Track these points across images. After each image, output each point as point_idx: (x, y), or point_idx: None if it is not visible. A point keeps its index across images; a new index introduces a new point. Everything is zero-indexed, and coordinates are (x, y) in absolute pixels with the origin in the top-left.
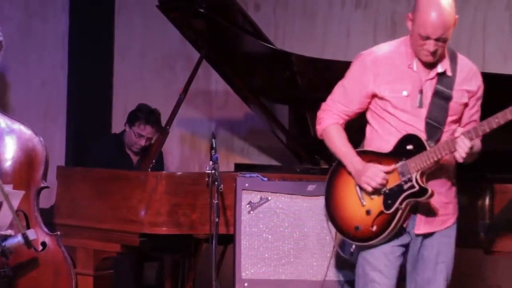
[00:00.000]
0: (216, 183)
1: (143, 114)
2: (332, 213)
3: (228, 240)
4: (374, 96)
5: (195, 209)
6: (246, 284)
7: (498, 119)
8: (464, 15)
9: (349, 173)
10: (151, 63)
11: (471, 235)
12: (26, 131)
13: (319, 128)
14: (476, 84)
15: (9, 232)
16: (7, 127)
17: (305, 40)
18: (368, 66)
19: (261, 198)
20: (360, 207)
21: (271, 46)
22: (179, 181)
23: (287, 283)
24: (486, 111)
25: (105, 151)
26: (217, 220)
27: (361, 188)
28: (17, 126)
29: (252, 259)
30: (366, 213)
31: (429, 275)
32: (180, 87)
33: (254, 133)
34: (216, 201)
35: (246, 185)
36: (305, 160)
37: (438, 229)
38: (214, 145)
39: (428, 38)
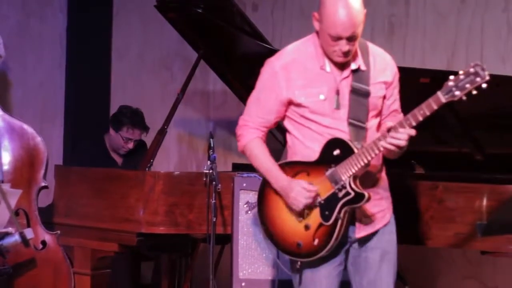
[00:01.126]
0: (214, 183)
1: (128, 118)
2: (271, 233)
3: (226, 240)
4: (290, 103)
5: (193, 209)
6: (243, 284)
7: (423, 111)
8: (461, 18)
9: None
10: (149, 63)
11: (468, 236)
12: (28, 130)
13: (240, 145)
14: (391, 74)
15: (10, 229)
16: (9, 126)
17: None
18: (278, 72)
19: None
20: (297, 223)
21: (269, 46)
22: (177, 181)
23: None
24: (484, 110)
25: (87, 156)
26: (214, 219)
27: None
28: (19, 125)
29: (249, 259)
30: (305, 228)
31: (374, 275)
32: (178, 87)
33: None
34: (213, 201)
35: (244, 185)
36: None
37: (377, 228)
38: (212, 145)
39: (339, 38)
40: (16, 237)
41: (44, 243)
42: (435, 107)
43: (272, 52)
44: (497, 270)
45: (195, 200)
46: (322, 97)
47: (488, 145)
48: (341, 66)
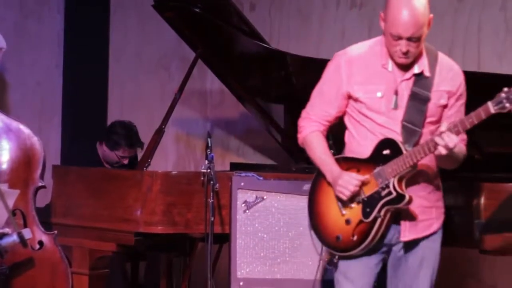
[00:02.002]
0: (212, 182)
1: (124, 139)
2: (314, 223)
3: (224, 239)
4: (349, 97)
5: (191, 208)
6: (241, 283)
7: (471, 119)
8: (458, 17)
9: (329, 182)
10: (146, 63)
11: (466, 235)
12: (25, 131)
13: (300, 136)
14: (456, 84)
15: (6, 230)
16: (6, 126)
17: (300, 40)
18: (341, 66)
19: (256, 197)
20: (340, 216)
21: (267, 46)
22: (175, 180)
23: (283, 282)
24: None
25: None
26: (212, 219)
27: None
28: (16, 126)
29: (247, 258)
30: (346, 222)
31: (411, 280)
32: (176, 87)
33: (250, 133)
34: (211, 200)
35: (242, 184)
36: (301, 159)
37: (422, 235)
38: (209, 145)
39: (399, 37)
40: (14, 237)
41: (41, 243)
42: (483, 116)
43: (269, 51)
44: (495, 269)
45: (193, 200)
46: (379, 94)
47: (487, 144)
48: (405, 68)
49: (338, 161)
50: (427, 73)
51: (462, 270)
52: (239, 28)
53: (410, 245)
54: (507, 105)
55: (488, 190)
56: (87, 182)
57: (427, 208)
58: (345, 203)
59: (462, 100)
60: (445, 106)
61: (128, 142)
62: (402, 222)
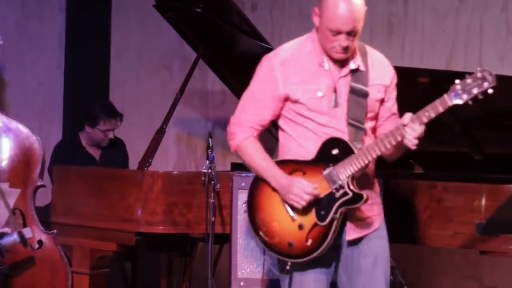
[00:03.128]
0: (213, 182)
1: (102, 112)
2: (263, 234)
3: (224, 239)
4: (286, 99)
5: (191, 208)
6: (242, 283)
7: (428, 113)
8: (460, 17)
9: (272, 189)
10: (148, 63)
11: (467, 236)
12: (23, 130)
13: (233, 143)
14: (389, 77)
15: (6, 230)
16: (5, 125)
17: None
18: (275, 68)
19: None
20: (290, 222)
21: (268, 46)
22: (176, 180)
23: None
24: (483, 110)
25: (61, 158)
26: (213, 219)
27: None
28: (14, 125)
29: (248, 258)
30: (299, 227)
31: (367, 281)
32: (177, 86)
33: None
34: (212, 200)
35: (243, 184)
36: None
37: (366, 232)
38: (210, 145)
39: (339, 32)
40: (15, 237)
41: (40, 242)
42: (441, 109)
43: (270, 51)
44: (496, 270)
45: (194, 200)
46: (320, 94)
47: (487, 145)
48: (340, 65)
49: (279, 164)
50: (362, 68)
51: (463, 271)
52: (240, 28)
53: (358, 246)
54: (464, 96)
55: (488, 191)
56: (87, 181)
57: (370, 206)
58: (294, 208)
59: (395, 92)
60: (382, 100)
61: (105, 113)
62: (348, 222)
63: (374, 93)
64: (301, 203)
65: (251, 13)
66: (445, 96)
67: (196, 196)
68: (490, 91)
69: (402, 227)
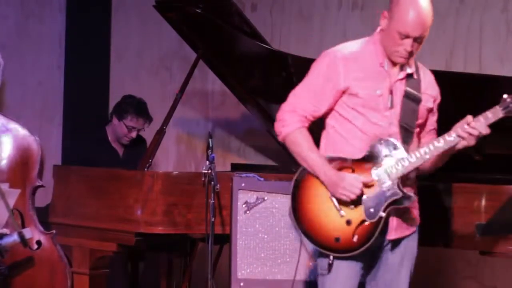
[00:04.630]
0: (213, 182)
1: (133, 107)
2: (307, 227)
3: (224, 240)
4: (344, 92)
5: (191, 209)
6: (242, 284)
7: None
8: (460, 18)
9: (320, 183)
10: (148, 64)
11: (467, 237)
12: (21, 130)
13: (284, 131)
14: (436, 90)
15: (5, 231)
16: (2, 126)
17: (302, 41)
18: (338, 62)
19: (257, 198)
20: (339, 217)
21: (268, 47)
22: (175, 181)
23: (283, 283)
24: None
25: (87, 152)
26: (213, 219)
27: (338, 198)
28: (12, 125)
29: (248, 259)
30: (347, 223)
31: (391, 278)
32: (177, 87)
33: (251, 133)
34: (212, 201)
35: (243, 185)
36: None
37: (405, 234)
38: (210, 145)
39: (407, 36)
40: (15, 237)
41: (39, 243)
42: (492, 120)
43: (271, 52)
44: (495, 271)
45: (194, 200)
46: (379, 92)
47: (487, 145)
48: (397, 69)
49: (328, 160)
50: (415, 76)
51: (463, 272)
52: (240, 29)
53: (392, 245)
54: None
55: (488, 191)
56: (88, 182)
57: (411, 209)
58: (343, 204)
59: (438, 111)
60: (430, 110)
61: (135, 109)
62: (390, 222)
63: (425, 101)
64: (351, 196)
65: (251, 14)
66: (497, 107)
67: (196, 196)
68: None
69: None
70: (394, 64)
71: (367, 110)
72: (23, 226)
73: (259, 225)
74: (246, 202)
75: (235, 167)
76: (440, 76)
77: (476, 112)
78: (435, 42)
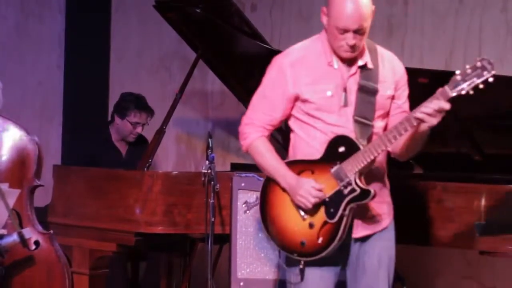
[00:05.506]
0: (212, 182)
1: (133, 103)
2: (274, 232)
3: (224, 240)
4: (296, 99)
5: (191, 209)
6: (241, 284)
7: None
8: (460, 18)
9: (283, 188)
10: (147, 63)
11: (467, 236)
12: (18, 130)
13: (245, 143)
14: (399, 74)
15: (2, 231)
16: None
17: (301, 41)
18: (285, 69)
19: (257, 198)
20: (301, 221)
21: (268, 47)
22: (175, 181)
23: (283, 283)
24: (483, 111)
25: (90, 149)
26: (213, 219)
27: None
28: (9, 125)
29: (247, 259)
30: (309, 226)
31: (371, 281)
32: (177, 87)
33: None
34: (212, 201)
35: (242, 184)
36: None
37: (375, 230)
38: (210, 145)
39: (346, 30)
40: (15, 237)
41: (37, 243)
42: (442, 101)
43: (270, 52)
44: (495, 270)
45: (194, 200)
46: (329, 93)
47: (487, 145)
48: (349, 64)
49: (288, 165)
50: (370, 65)
51: (462, 271)
52: (240, 29)
53: (365, 245)
54: (464, 86)
55: (488, 191)
56: (87, 182)
57: (379, 203)
58: (306, 210)
59: (407, 91)
60: (392, 98)
61: (136, 105)
62: (355, 219)
63: (384, 90)
64: (307, 205)
65: (251, 14)
66: (446, 87)
67: (195, 196)
68: (491, 79)
69: (402, 227)
70: (344, 60)
71: (322, 113)
72: (21, 226)
73: (259, 224)
74: (245, 202)
75: (235, 167)
76: (440, 76)
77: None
78: (434, 42)
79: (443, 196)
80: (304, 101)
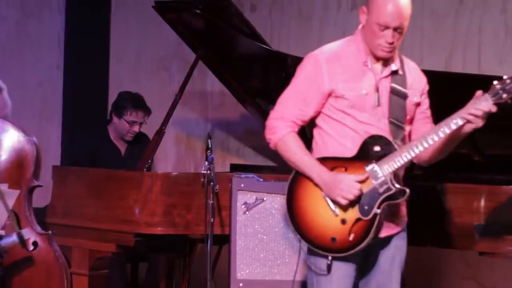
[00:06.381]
0: (212, 183)
1: (130, 101)
2: (303, 229)
3: (224, 241)
4: (329, 95)
5: (191, 210)
6: (241, 285)
7: None
8: (459, 19)
9: (314, 184)
10: (147, 64)
11: (466, 237)
12: (16, 131)
13: (274, 138)
14: (423, 83)
15: (1, 232)
16: None
17: (301, 42)
18: (321, 65)
19: (256, 199)
20: (334, 217)
21: (267, 47)
22: (175, 181)
23: (282, 284)
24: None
25: (89, 145)
26: (212, 220)
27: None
28: (7, 126)
29: (247, 260)
30: (342, 222)
31: (383, 280)
32: (176, 88)
33: (250, 134)
34: (211, 202)
35: (242, 185)
36: None
37: (394, 231)
38: (209, 146)
39: (386, 27)
40: (14, 238)
41: (35, 243)
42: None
43: (270, 53)
44: (494, 271)
45: (193, 201)
46: (364, 91)
47: (487, 146)
48: (382, 66)
49: (319, 161)
50: (400, 72)
51: (461, 272)
52: (239, 29)
53: (383, 244)
54: (504, 95)
55: (488, 192)
56: (87, 182)
57: (400, 206)
58: (337, 204)
59: (428, 99)
60: (418, 104)
61: (132, 104)
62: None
63: (412, 96)
64: (349, 197)
65: (250, 14)
66: (486, 95)
67: (195, 197)
68: None
69: None
70: (377, 60)
71: (355, 111)
72: (20, 227)
73: (258, 225)
74: (245, 203)
75: (234, 168)
76: (439, 77)
77: None
78: (434, 42)
79: (442, 197)
80: (338, 97)
